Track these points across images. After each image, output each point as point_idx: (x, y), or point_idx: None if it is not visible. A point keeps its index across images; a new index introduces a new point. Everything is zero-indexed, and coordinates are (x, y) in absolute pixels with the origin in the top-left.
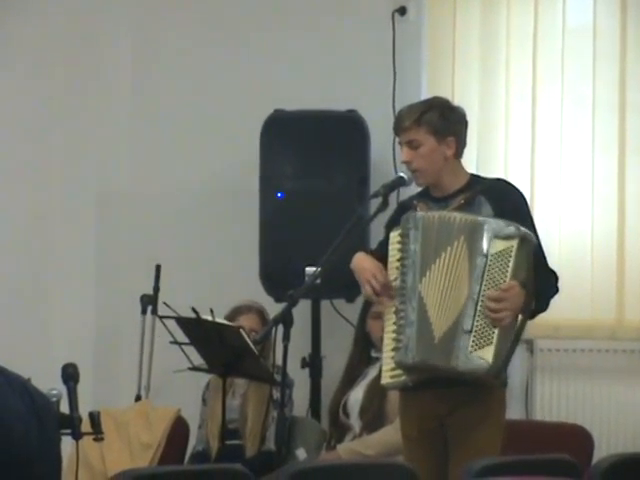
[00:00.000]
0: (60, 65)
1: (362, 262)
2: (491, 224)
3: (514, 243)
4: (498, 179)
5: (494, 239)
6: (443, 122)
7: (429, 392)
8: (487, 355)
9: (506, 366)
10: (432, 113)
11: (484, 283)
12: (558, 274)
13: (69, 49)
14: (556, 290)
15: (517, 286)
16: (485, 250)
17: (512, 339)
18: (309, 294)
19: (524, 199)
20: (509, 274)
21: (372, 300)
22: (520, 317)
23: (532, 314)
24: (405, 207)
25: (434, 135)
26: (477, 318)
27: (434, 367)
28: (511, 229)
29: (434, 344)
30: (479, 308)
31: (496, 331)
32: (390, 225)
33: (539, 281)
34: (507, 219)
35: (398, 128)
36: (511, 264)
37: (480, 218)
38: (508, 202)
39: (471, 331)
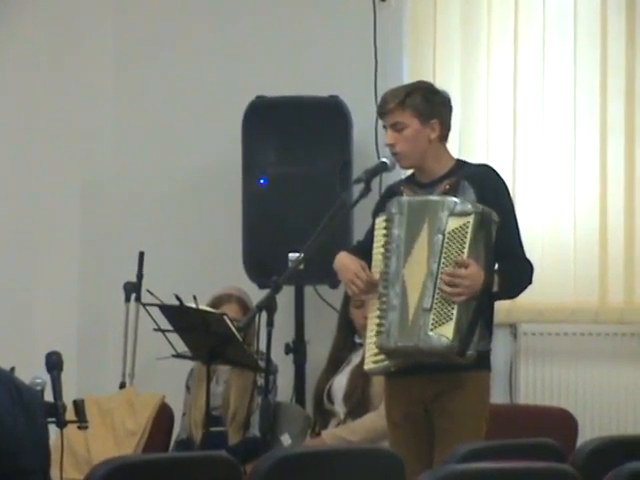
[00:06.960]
0: (43, 54)
1: (344, 262)
2: (448, 202)
3: (470, 219)
4: (482, 164)
5: (450, 216)
6: (427, 104)
7: (414, 378)
8: (447, 332)
9: (469, 343)
10: (416, 95)
11: (442, 261)
12: (541, 258)
13: (52, 37)
14: (529, 281)
15: (473, 264)
16: (442, 228)
17: (472, 316)
18: (292, 280)
19: (505, 185)
20: (466, 251)
21: (357, 298)
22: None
23: (496, 297)
24: (391, 193)
25: (418, 117)
26: (436, 296)
27: (407, 349)
28: (467, 206)
29: (408, 327)
30: (438, 286)
31: (455, 307)
32: (376, 212)
33: (508, 267)
34: (487, 204)
35: (382, 111)
36: (467, 240)
37: (438, 197)
38: (488, 187)
39: (430, 309)
